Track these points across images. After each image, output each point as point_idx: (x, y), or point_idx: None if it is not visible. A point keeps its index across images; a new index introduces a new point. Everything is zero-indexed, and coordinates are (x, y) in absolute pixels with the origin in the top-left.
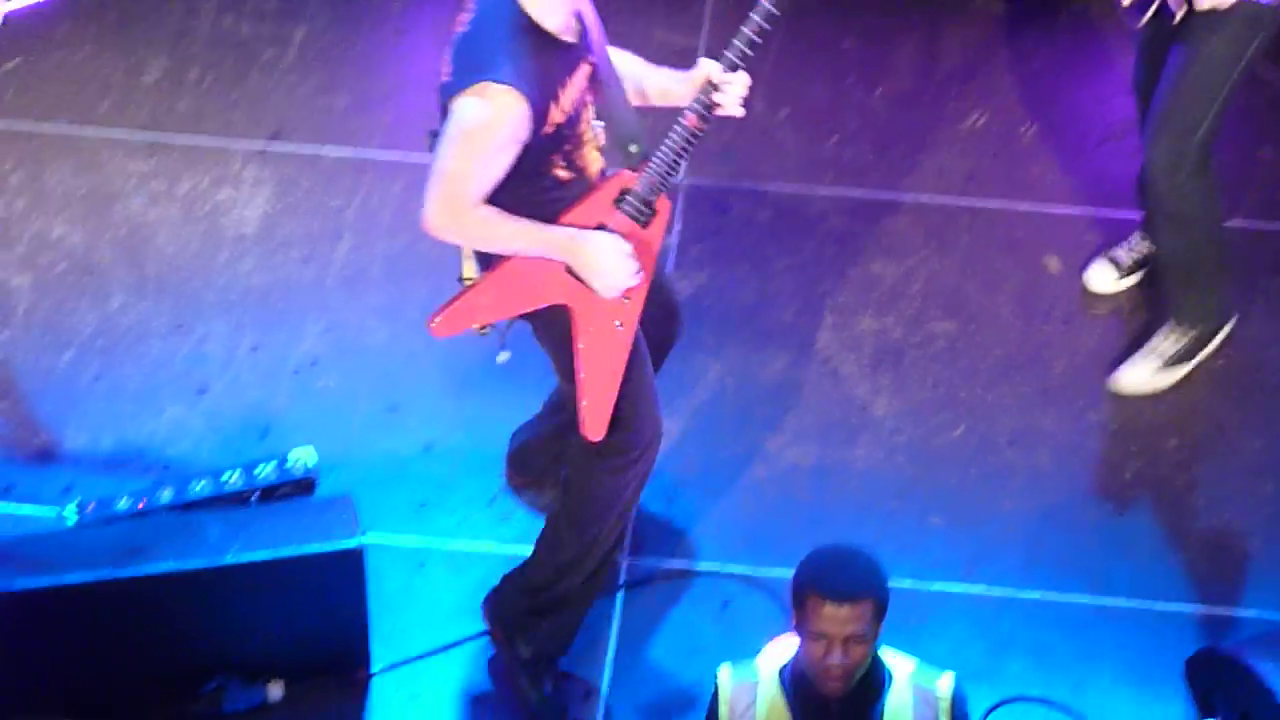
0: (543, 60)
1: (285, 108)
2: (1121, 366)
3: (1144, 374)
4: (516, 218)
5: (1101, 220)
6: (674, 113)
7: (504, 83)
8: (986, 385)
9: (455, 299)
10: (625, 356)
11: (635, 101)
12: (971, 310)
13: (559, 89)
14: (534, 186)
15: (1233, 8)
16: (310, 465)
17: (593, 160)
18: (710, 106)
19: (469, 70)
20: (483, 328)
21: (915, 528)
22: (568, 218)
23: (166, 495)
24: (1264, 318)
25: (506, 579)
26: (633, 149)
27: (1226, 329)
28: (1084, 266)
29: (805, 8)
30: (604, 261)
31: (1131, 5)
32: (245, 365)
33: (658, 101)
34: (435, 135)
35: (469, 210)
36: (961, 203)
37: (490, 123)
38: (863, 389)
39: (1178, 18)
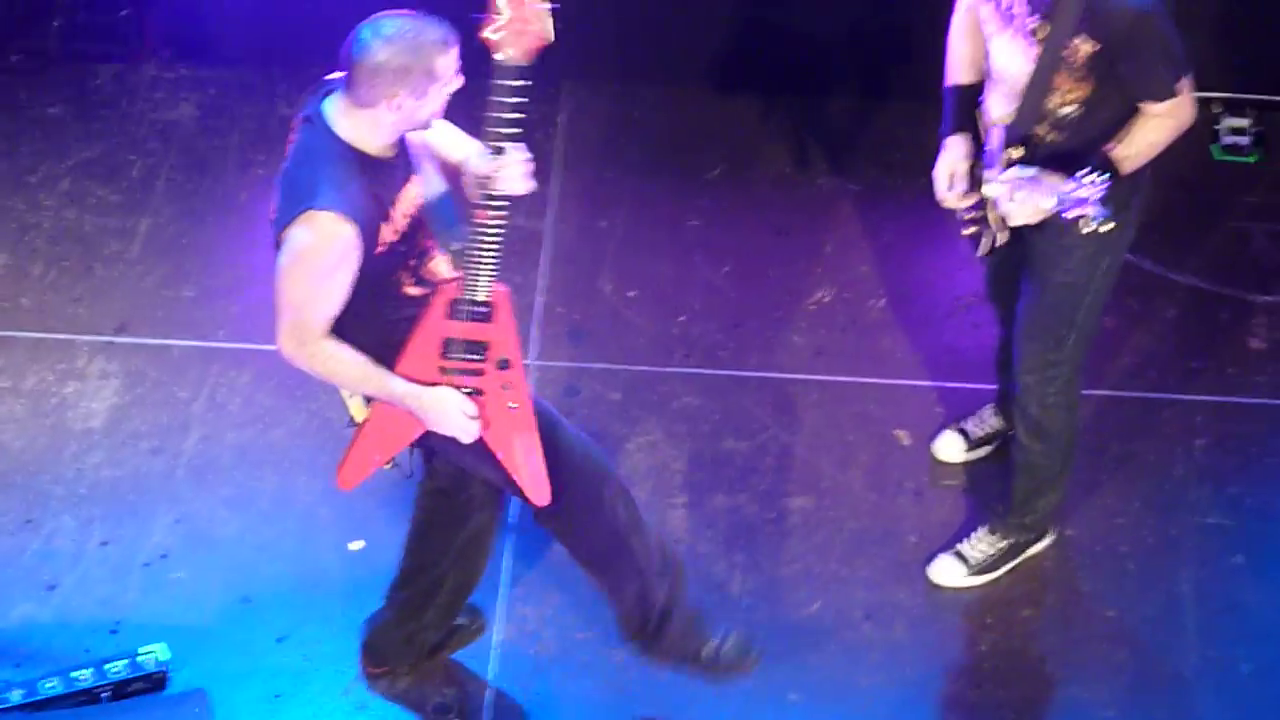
0: (366, 182)
1: (131, 300)
2: (937, 558)
3: (955, 575)
4: (365, 361)
5: (950, 392)
6: None
7: (326, 209)
8: (841, 559)
9: (350, 448)
10: (534, 424)
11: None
12: (824, 484)
13: (388, 207)
14: (386, 306)
15: (1074, 237)
16: (162, 660)
17: (442, 270)
18: (493, 196)
19: (293, 202)
20: (391, 465)
21: (774, 705)
22: (411, 344)
23: (16, 696)
24: (1114, 487)
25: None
26: (455, 248)
27: (1043, 544)
28: (933, 437)
29: (650, 187)
30: (446, 417)
31: (970, 236)
32: (95, 560)
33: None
34: None
35: (316, 340)
36: (811, 378)
37: (317, 248)
38: (719, 567)
39: (1002, 241)
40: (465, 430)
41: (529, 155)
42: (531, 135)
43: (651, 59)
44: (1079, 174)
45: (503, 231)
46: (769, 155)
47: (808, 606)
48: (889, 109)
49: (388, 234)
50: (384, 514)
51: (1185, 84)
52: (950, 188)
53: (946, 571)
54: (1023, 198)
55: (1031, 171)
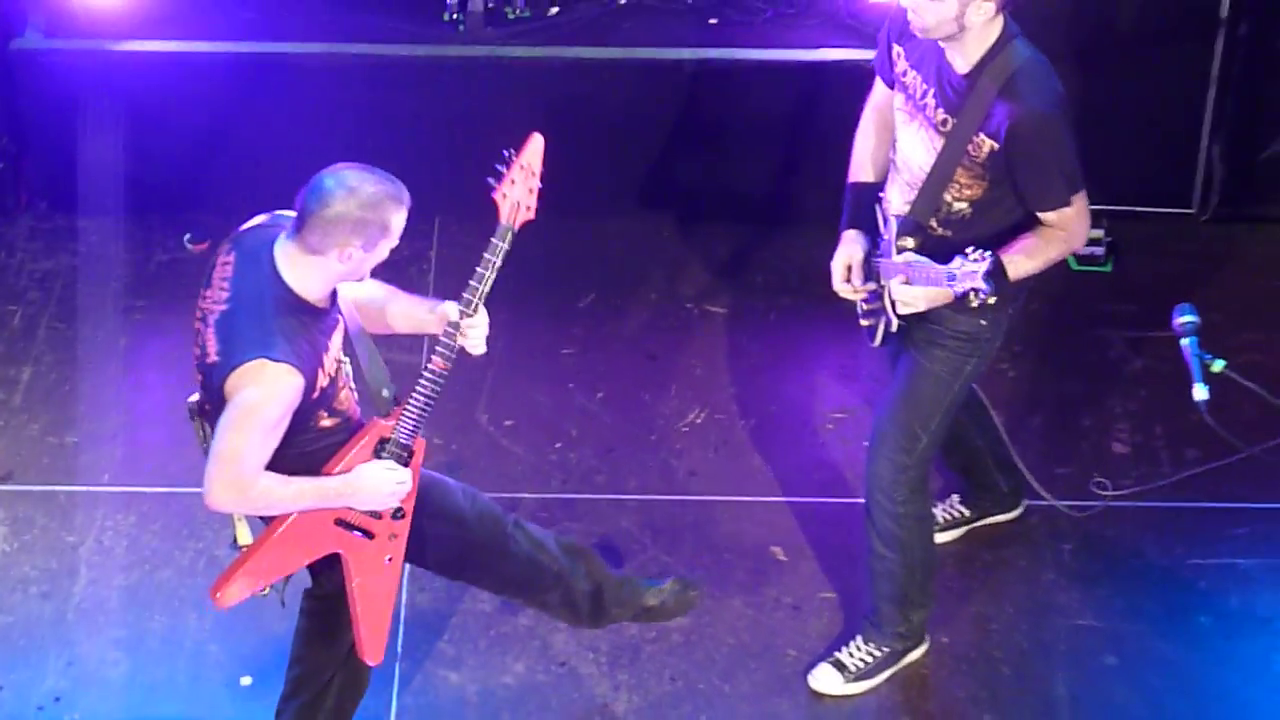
0: (307, 331)
1: (15, 449)
2: (818, 666)
3: (834, 684)
4: (292, 479)
5: (823, 506)
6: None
7: (281, 361)
8: (723, 675)
9: (235, 567)
10: (396, 586)
11: (378, 330)
12: (703, 602)
13: (323, 355)
14: (303, 439)
15: (950, 323)
16: None
17: (349, 402)
18: (453, 349)
19: (242, 348)
20: (267, 591)
21: None
22: (332, 469)
23: None
24: (986, 593)
25: None
26: (385, 394)
27: (919, 651)
28: (808, 553)
29: (524, 317)
30: (378, 486)
31: (867, 326)
32: None
33: (403, 328)
34: (199, 405)
35: (253, 484)
36: (687, 498)
37: (270, 399)
38: (603, 688)
39: (894, 327)
40: (397, 484)
41: (488, 321)
42: (404, 271)
43: None
44: (965, 251)
45: (442, 384)
46: (638, 282)
47: None
48: (748, 234)
49: (322, 379)
50: (271, 649)
51: (1080, 198)
52: (847, 279)
53: (826, 680)
54: (914, 286)
55: (923, 259)
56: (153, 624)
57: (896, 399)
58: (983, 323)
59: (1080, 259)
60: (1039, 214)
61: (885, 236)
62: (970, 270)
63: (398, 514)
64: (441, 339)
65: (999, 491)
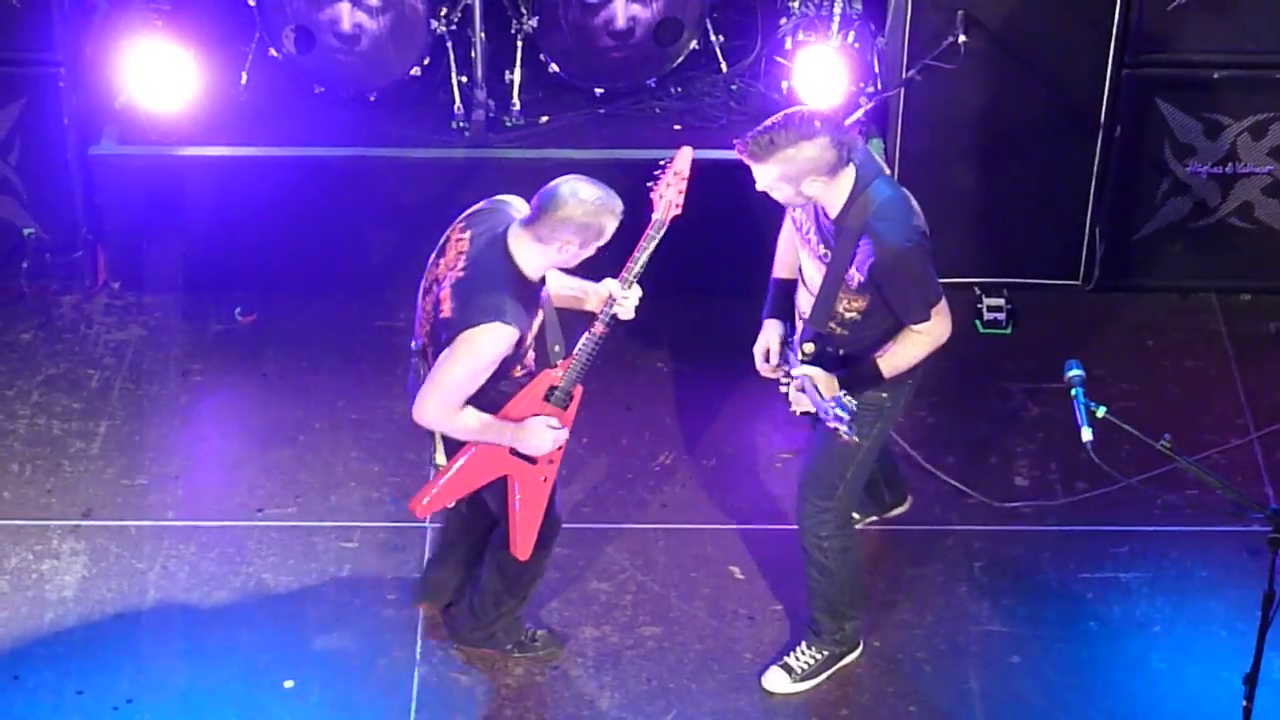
0: (525, 301)
1: (95, 489)
2: (769, 669)
3: (783, 683)
4: (484, 416)
5: (774, 533)
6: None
7: (509, 324)
8: (691, 676)
9: (431, 485)
10: (546, 501)
11: (558, 304)
12: (674, 615)
13: (533, 320)
14: (502, 382)
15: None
16: None
17: (532, 358)
18: (614, 316)
19: (477, 311)
20: (456, 502)
21: None
22: (517, 408)
23: None
24: (909, 604)
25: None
26: (557, 349)
27: (854, 655)
28: (766, 570)
29: None
30: (542, 437)
31: (787, 397)
32: (72, 707)
33: (567, 305)
34: (422, 350)
35: (457, 411)
36: (659, 526)
37: (492, 351)
38: (589, 687)
39: (795, 412)
40: (553, 440)
41: (642, 294)
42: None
43: None
44: (839, 395)
45: (601, 344)
46: (616, 346)
47: (664, 716)
48: (712, 306)
49: (529, 339)
50: (310, 657)
51: (938, 310)
52: (766, 360)
53: (776, 680)
54: (802, 396)
55: (815, 373)
56: (210, 638)
57: (816, 456)
58: (884, 395)
59: (985, 324)
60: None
61: (795, 335)
62: (837, 415)
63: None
64: (602, 309)
65: (883, 501)
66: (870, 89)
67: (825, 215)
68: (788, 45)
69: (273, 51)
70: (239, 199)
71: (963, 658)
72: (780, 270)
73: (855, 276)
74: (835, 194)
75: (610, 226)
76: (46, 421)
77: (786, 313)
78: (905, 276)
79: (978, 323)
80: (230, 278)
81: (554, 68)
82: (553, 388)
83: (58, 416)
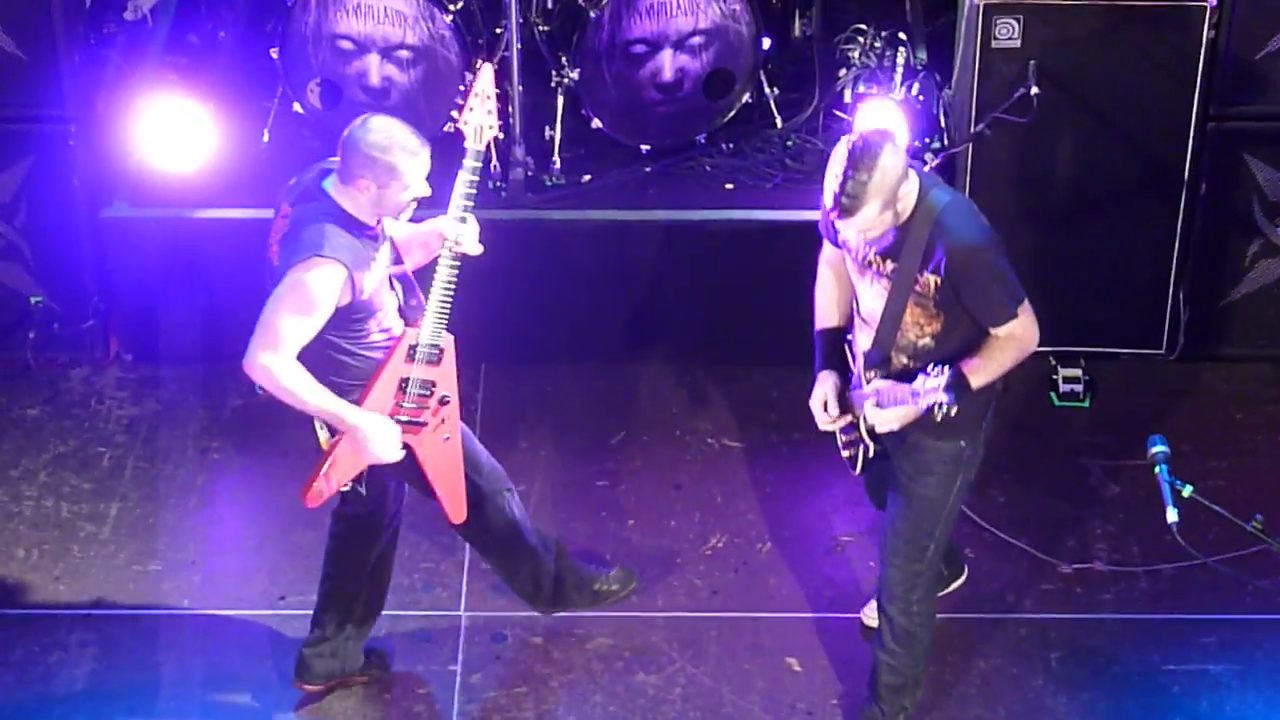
0: (353, 238)
1: (105, 576)
2: None
3: None
4: (321, 388)
5: (833, 621)
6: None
7: (326, 256)
8: None
9: (315, 473)
10: (460, 457)
11: (414, 264)
12: (726, 710)
13: (370, 261)
14: (358, 345)
15: (934, 451)
16: None
17: (396, 322)
18: (456, 255)
19: (296, 251)
20: (349, 486)
21: None
22: (377, 378)
23: None
24: (981, 699)
25: None
26: (413, 303)
27: None
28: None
29: (562, 454)
30: (371, 441)
31: (847, 457)
32: None
33: (420, 256)
34: None
35: (285, 361)
36: (710, 615)
37: (317, 288)
38: None
39: (871, 452)
40: (388, 448)
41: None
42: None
43: (555, 339)
44: (927, 369)
45: (453, 287)
46: (664, 419)
47: None
48: (764, 376)
49: (369, 283)
50: None
51: (1024, 308)
52: (825, 411)
53: None
54: (885, 405)
55: (884, 384)
56: None
57: (901, 519)
58: (962, 444)
59: (1061, 396)
60: (990, 329)
61: (855, 372)
62: (932, 386)
63: (443, 399)
64: (445, 250)
65: (941, 575)
66: (936, 145)
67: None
68: (847, 98)
69: (297, 107)
70: (259, 264)
71: None
72: (825, 320)
73: (930, 282)
74: (901, 207)
75: (406, 164)
76: (54, 503)
77: (839, 363)
78: (986, 272)
79: (1053, 395)
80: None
81: (597, 123)
82: (412, 347)
83: (66, 498)
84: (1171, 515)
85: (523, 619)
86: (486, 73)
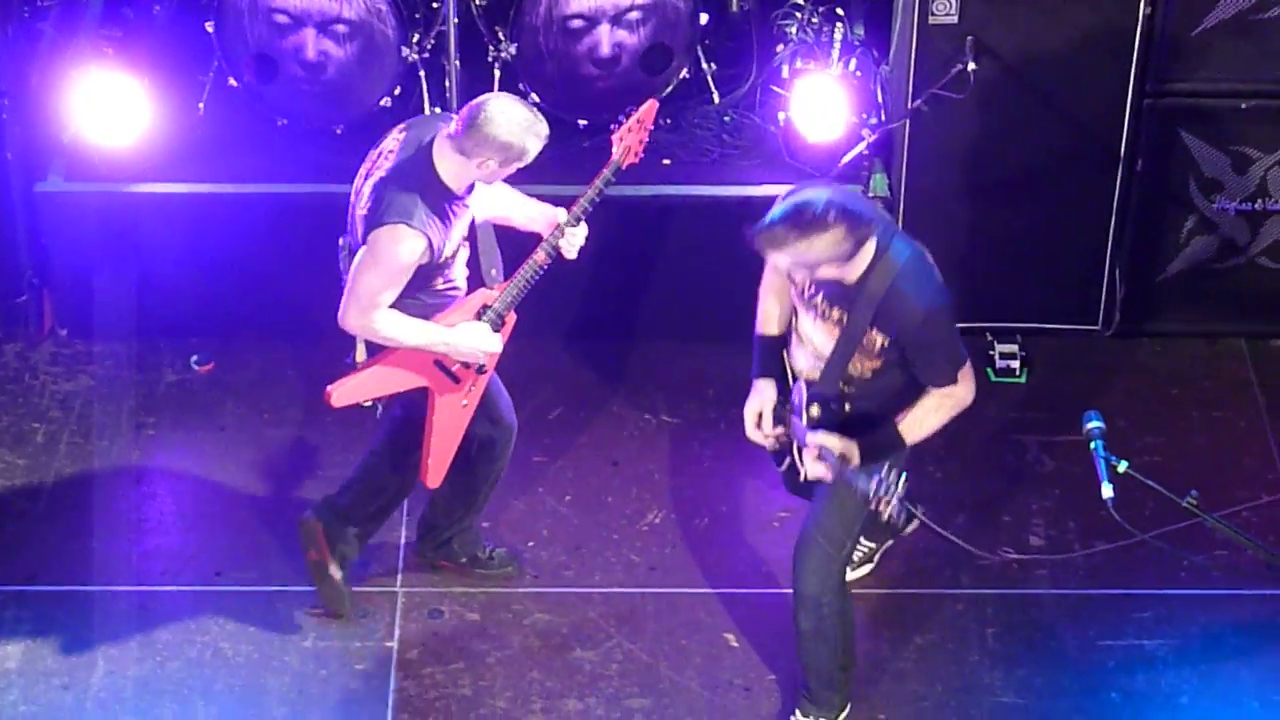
0: (442, 209)
1: (39, 552)
2: None
3: None
4: (410, 319)
5: (769, 597)
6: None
7: (414, 228)
8: None
9: (350, 377)
10: (465, 426)
11: (498, 220)
12: (663, 686)
13: (450, 230)
14: (423, 296)
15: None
16: None
17: (462, 276)
18: (556, 249)
19: (387, 211)
20: (370, 403)
21: None
22: (447, 320)
23: None
24: (918, 674)
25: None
26: (493, 273)
27: (846, 712)
28: (757, 639)
29: None
30: (476, 343)
31: (773, 451)
32: None
33: (518, 222)
34: (351, 245)
35: (377, 313)
36: (647, 590)
37: (399, 254)
38: None
39: (803, 479)
40: (487, 354)
41: (588, 233)
42: None
43: None
44: (880, 475)
45: (540, 274)
46: (601, 395)
47: None
48: (700, 352)
49: (447, 249)
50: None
51: (964, 372)
52: (758, 426)
53: None
54: (820, 465)
55: (832, 442)
56: (164, 711)
57: (823, 513)
58: (890, 460)
59: (998, 372)
60: (930, 387)
61: (795, 399)
62: (882, 496)
63: (481, 369)
64: (546, 238)
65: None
66: (873, 120)
67: (839, 280)
68: (785, 74)
69: (232, 81)
70: (195, 239)
71: None
72: (767, 326)
73: (877, 340)
74: (854, 268)
75: (533, 148)
76: None
77: (777, 371)
78: (935, 338)
79: (990, 371)
80: (186, 324)
81: (534, 98)
82: (486, 306)
83: (0, 474)
84: (1107, 491)
85: (459, 595)
86: (651, 107)
